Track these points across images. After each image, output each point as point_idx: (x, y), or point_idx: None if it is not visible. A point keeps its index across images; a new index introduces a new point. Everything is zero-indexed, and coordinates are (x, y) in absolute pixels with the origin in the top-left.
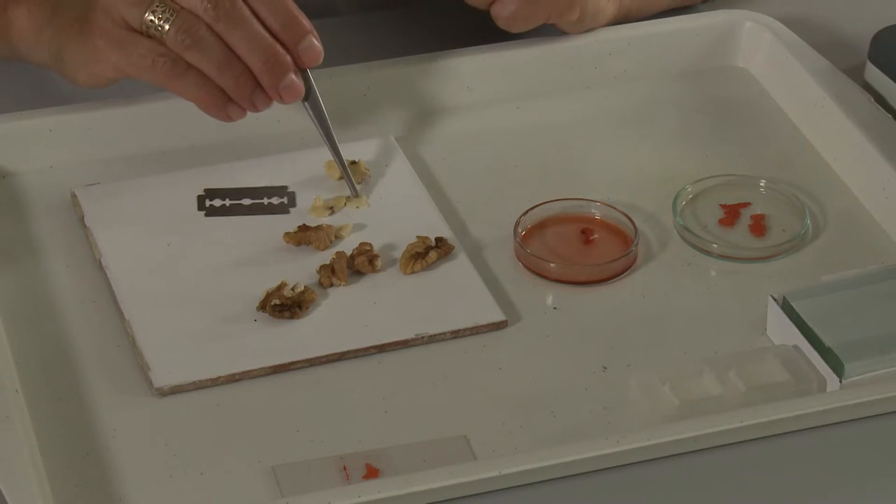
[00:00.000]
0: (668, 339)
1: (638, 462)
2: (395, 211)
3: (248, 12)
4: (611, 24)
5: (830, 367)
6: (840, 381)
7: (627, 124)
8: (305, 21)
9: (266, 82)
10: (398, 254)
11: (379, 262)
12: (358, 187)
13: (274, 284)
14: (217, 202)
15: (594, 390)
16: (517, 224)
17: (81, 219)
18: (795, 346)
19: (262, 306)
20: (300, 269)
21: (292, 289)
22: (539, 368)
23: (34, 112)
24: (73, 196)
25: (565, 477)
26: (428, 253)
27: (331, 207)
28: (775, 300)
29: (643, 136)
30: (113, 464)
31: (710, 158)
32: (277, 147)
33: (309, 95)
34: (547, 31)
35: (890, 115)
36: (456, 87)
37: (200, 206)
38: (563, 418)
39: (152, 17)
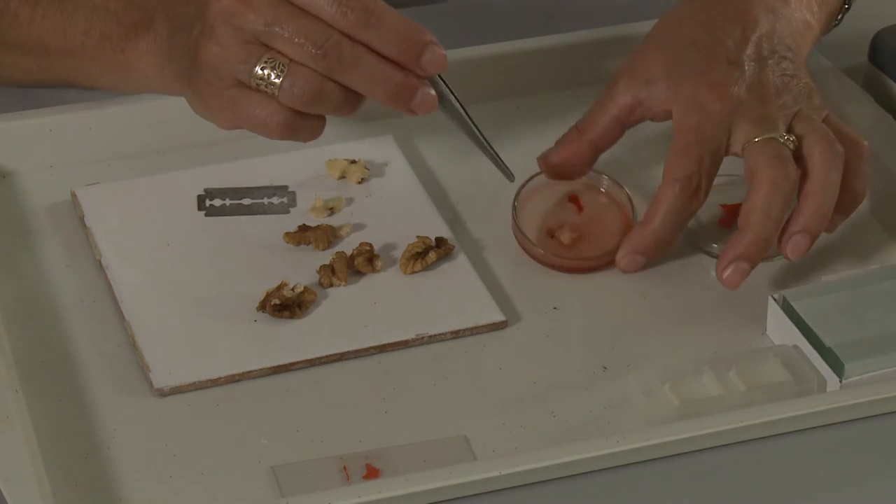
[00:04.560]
0: (668, 339)
1: (638, 462)
2: (394, 211)
3: (360, 49)
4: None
5: (830, 367)
6: (840, 381)
7: None
8: (420, 33)
9: (397, 108)
10: (398, 254)
11: (379, 262)
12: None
13: (274, 284)
14: (217, 202)
15: (594, 390)
16: (516, 195)
17: (81, 219)
18: (795, 346)
19: (262, 306)
20: (300, 269)
21: (292, 289)
22: (539, 368)
23: (34, 112)
24: (73, 196)
25: (565, 477)
26: (428, 253)
27: (331, 207)
28: (775, 300)
29: (643, 136)
30: (113, 464)
31: None
32: (277, 147)
33: (442, 100)
34: (548, 30)
35: (890, 115)
36: (455, 86)
37: (200, 206)
38: (563, 418)
39: (262, 73)
